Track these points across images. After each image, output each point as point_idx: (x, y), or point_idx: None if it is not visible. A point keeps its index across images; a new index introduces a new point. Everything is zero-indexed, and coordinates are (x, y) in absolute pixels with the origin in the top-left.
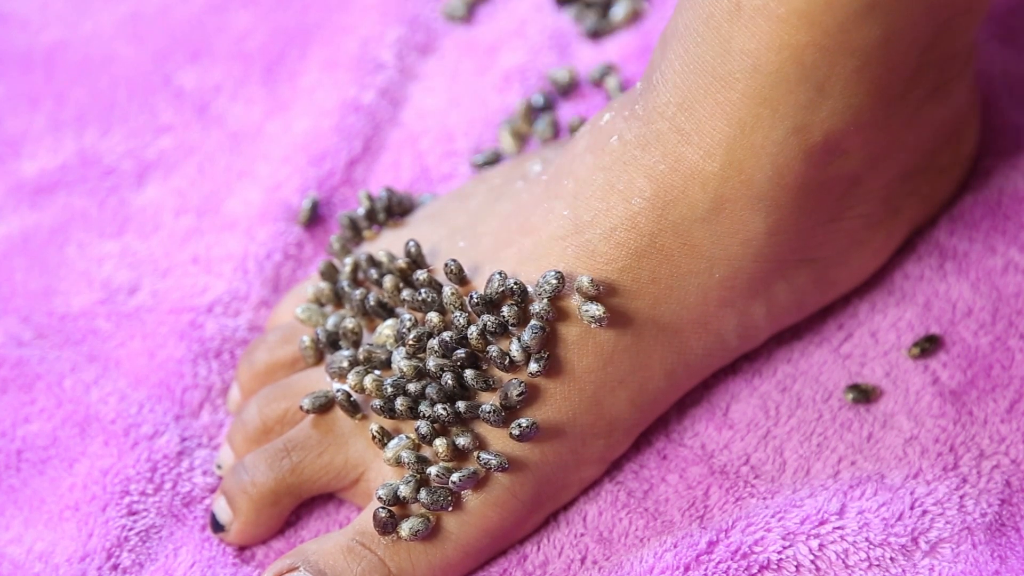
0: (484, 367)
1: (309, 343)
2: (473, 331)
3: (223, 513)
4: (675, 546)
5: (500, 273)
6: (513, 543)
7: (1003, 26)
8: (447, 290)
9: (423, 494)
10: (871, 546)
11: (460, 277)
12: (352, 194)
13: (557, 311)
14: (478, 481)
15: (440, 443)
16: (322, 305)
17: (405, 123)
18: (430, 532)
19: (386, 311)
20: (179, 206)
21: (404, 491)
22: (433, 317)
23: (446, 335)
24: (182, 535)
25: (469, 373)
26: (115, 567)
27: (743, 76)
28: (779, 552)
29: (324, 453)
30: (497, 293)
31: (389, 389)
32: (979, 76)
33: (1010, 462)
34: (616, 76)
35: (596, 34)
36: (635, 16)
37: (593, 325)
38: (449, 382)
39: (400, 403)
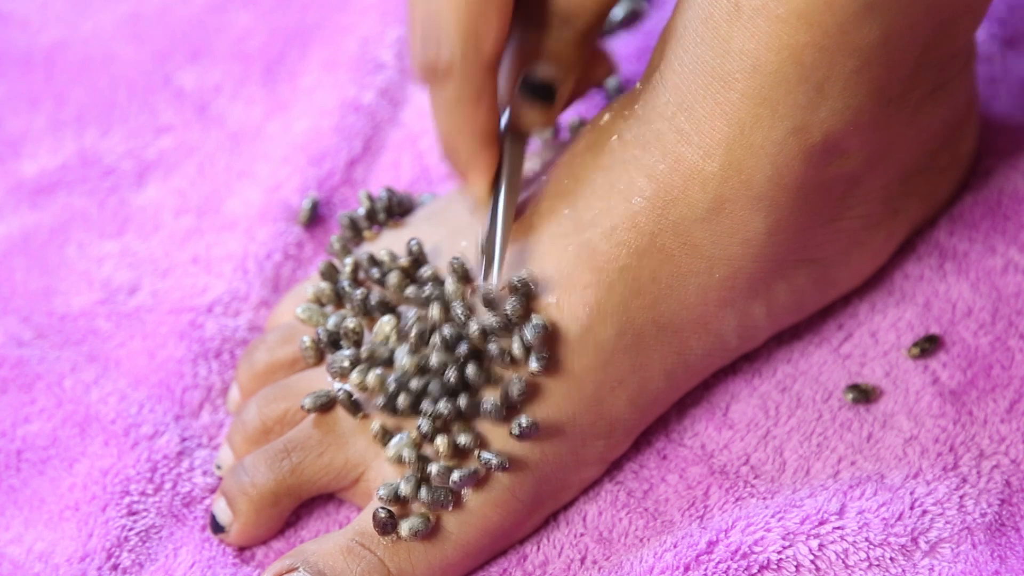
0: (485, 363)
1: (309, 343)
2: (475, 328)
3: (223, 514)
4: (675, 546)
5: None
6: (513, 543)
7: (1003, 26)
8: (450, 286)
9: (423, 492)
10: (871, 546)
11: (464, 275)
12: (352, 194)
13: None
14: (478, 480)
15: (441, 441)
16: (322, 305)
17: (405, 123)
18: (430, 532)
19: (388, 310)
20: (179, 206)
21: (404, 489)
22: (434, 312)
23: (448, 330)
24: (182, 535)
25: (471, 369)
26: (115, 567)
27: (742, 76)
28: (779, 552)
29: (324, 454)
30: (499, 291)
31: (392, 386)
32: (979, 76)
33: (1010, 462)
34: (616, 76)
35: None
36: (635, 16)
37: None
38: (451, 378)
39: (402, 399)
